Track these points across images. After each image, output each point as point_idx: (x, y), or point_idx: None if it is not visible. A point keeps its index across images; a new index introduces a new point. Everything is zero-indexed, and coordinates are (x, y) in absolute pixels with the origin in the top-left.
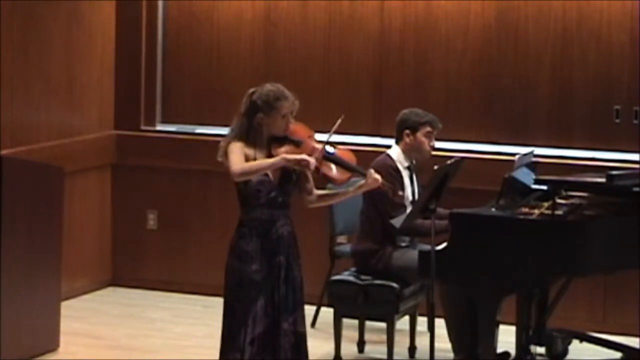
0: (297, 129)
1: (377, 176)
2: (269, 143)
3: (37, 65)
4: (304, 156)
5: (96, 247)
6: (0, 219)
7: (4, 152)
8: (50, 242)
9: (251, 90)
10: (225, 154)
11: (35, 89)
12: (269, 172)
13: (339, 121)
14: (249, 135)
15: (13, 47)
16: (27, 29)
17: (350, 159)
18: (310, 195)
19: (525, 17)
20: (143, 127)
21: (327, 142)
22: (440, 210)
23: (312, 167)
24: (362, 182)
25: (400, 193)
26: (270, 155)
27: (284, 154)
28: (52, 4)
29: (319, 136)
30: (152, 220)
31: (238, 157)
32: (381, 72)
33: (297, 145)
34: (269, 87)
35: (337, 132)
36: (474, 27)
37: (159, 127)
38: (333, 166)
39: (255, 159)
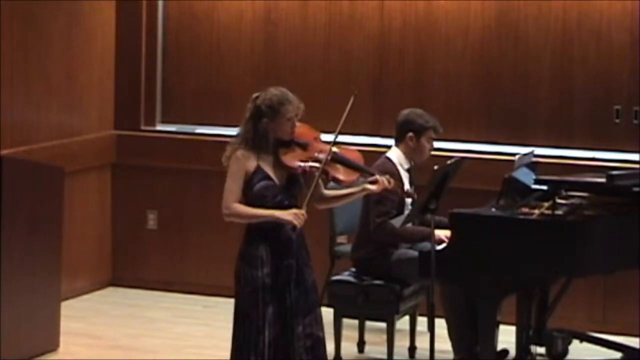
0: (303, 131)
1: (384, 180)
2: (276, 147)
3: (37, 65)
4: (291, 216)
5: (96, 247)
6: (0, 219)
7: (4, 152)
8: (50, 242)
9: (255, 95)
10: (228, 161)
11: (35, 89)
12: (273, 177)
13: (345, 112)
14: (254, 140)
15: (13, 47)
16: (27, 29)
17: (357, 158)
18: (321, 200)
19: (525, 17)
20: (143, 127)
21: (334, 143)
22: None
23: (299, 227)
24: (367, 185)
25: (408, 188)
26: (277, 159)
27: (275, 212)
28: (52, 4)
29: (325, 137)
30: (152, 220)
31: (232, 190)
32: (381, 72)
33: (304, 148)
34: (272, 91)
35: (342, 133)
36: (474, 27)
37: (159, 127)
38: (340, 167)
39: (258, 167)
